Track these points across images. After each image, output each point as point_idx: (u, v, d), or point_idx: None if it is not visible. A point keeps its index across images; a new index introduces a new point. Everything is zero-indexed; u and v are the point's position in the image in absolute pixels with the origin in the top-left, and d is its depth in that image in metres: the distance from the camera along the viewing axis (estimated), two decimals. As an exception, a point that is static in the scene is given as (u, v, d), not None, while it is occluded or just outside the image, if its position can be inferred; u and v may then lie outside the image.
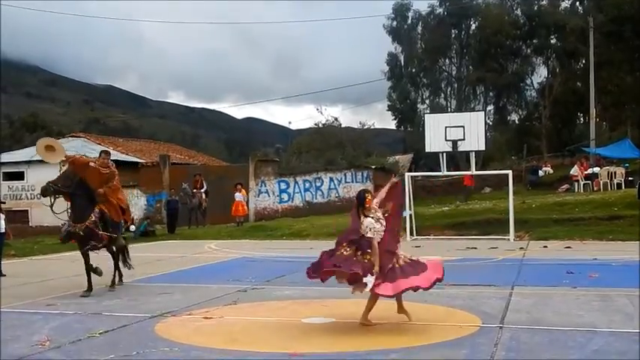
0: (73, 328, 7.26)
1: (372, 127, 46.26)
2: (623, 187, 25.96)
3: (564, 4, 45.14)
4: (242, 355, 5.94)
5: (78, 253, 10.14)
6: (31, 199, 28.94)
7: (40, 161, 28.63)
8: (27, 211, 29.20)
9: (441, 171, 21.15)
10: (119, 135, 46.07)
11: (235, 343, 6.39)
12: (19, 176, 30.01)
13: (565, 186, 28.68)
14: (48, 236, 23.52)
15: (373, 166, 31.46)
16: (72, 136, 36.55)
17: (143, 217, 26.45)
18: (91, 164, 10.10)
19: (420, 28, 47.84)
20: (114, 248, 10.62)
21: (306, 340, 6.48)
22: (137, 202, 29.24)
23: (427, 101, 48.62)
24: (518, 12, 45.43)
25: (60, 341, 6.54)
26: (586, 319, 7.22)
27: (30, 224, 28.42)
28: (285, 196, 29.72)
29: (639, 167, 29.53)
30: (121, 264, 10.89)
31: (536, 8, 44.33)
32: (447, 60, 48.00)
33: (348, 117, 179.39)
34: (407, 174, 22.58)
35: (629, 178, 26.95)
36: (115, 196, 10.36)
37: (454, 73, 48.09)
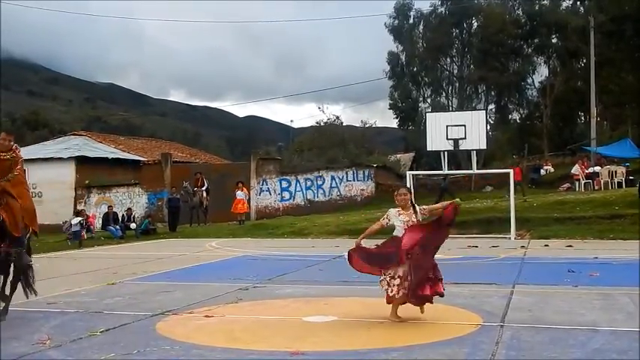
0: (73, 326, 7.26)
1: (374, 126, 46.51)
2: (624, 186, 26.00)
3: (565, 4, 45.21)
4: (243, 353, 5.94)
5: (79, 252, 10.05)
6: (33, 197, 28.94)
7: (43, 159, 29.09)
8: (28, 209, 29.16)
9: (442, 170, 21.18)
10: (121, 133, 46.12)
11: (236, 342, 6.39)
12: (21, 174, 29.96)
13: (566, 185, 28.68)
14: (49, 235, 23.57)
15: (375, 165, 31.48)
16: (73, 135, 36.60)
17: (144, 216, 26.51)
18: None
19: (421, 27, 47.85)
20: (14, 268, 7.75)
21: (308, 339, 6.48)
22: (138, 201, 29.32)
23: (429, 100, 48.62)
24: (520, 11, 45.44)
25: (61, 340, 6.54)
26: (587, 317, 7.22)
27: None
28: (286, 195, 29.75)
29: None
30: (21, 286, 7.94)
31: (537, 7, 44.35)
32: (448, 59, 47.99)
33: (349, 115, 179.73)
34: (408, 172, 22.60)
35: (630, 177, 26.99)
36: (19, 189, 7.75)
37: (455, 72, 48.06)
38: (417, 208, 7.26)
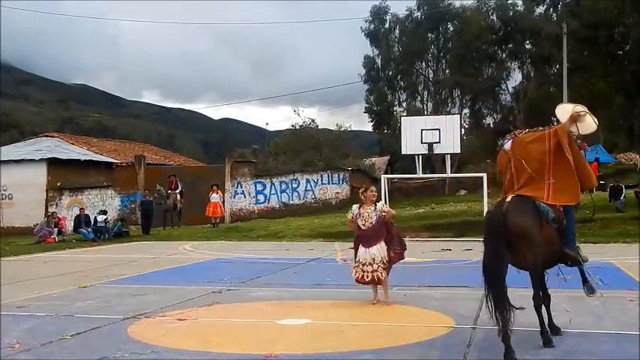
0: (44, 330, 7.16)
1: (349, 129, 46.58)
2: (595, 191, 26.31)
3: (539, 10, 45.78)
4: (216, 356, 5.92)
5: (51, 255, 9.93)
6: (3, 199, 28.49)
7: (14, 161, 28.68)
8: (-2, 211, 28.72)
9: (416, 173, 21.30)
10: (94, 135, 45.63)
11: (209, 345, 6.36)
12: (-9, 176, 29.45)
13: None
14: (20, 237, 23.23)
15: (350, 168, 31.55)
16: (45, 136, 36.13)
17: (117, 218, 26.21)
18: None
19: (397, 32, 48.15)
20: None
21: (281, 342, 6.47)
22: (111, 203, 29.00)
23: (404, 104, 48.95)
24: (494, 17, 45.94)
25: (31, 343, 6.45)
26: (557, 320, 7.29)
27: (1, 225, 27.91)
28: (261, 198, 29.67)
29: (610, 171, 29.98)
30: None
31: (511, 14, 44.86)
32: (423, 63, 48.35)
33: (325, 118, 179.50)
34: (383, 176, 22.70)
35: (601, 182, 27.32)
36: None
37: (431, 76, 48.45)
38: (379, 205, 8.59)
